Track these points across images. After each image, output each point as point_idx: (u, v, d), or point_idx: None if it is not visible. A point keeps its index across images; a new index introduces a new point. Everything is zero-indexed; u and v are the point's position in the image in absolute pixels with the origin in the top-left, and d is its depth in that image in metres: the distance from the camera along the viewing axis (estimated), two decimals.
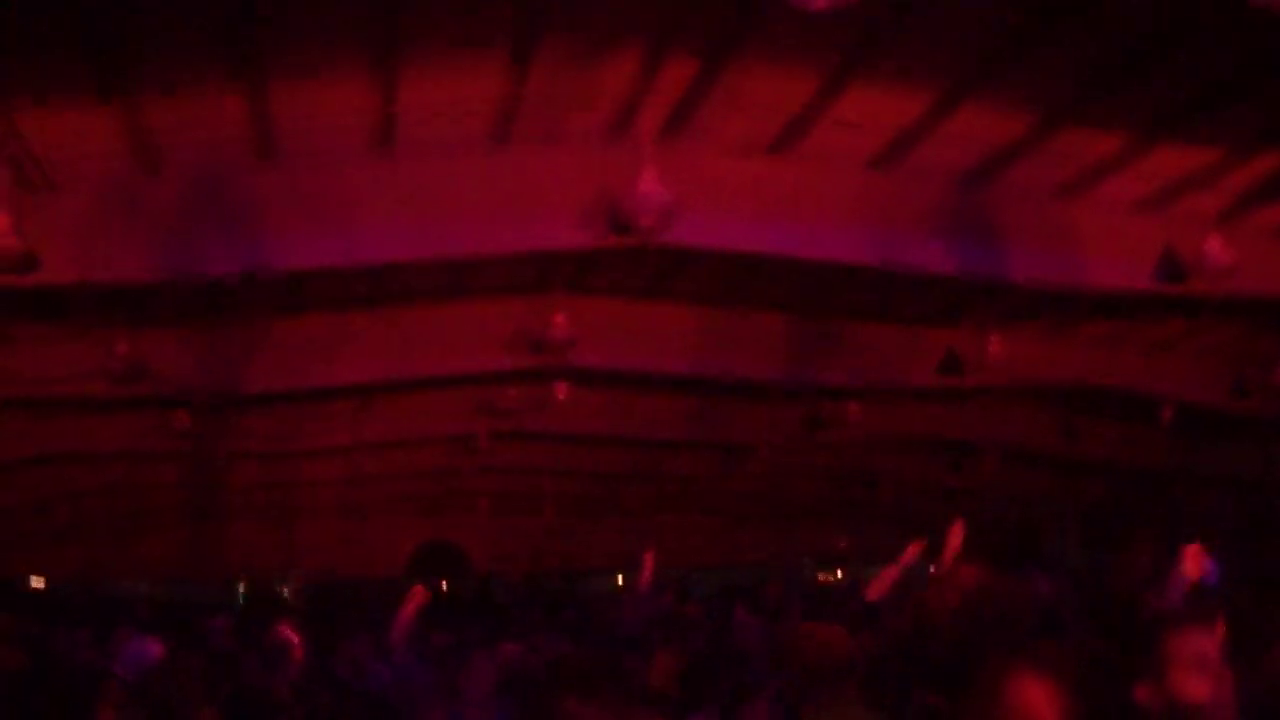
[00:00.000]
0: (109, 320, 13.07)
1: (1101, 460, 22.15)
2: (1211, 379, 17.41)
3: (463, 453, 21.37)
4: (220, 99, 9.50)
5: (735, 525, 30.66)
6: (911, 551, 7.83)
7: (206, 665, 8.48)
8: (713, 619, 12.48)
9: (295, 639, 9.66)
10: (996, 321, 15.20)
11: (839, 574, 32.43)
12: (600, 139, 10.81)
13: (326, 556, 27.71)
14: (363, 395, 16.67)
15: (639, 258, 12.44)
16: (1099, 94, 10.07)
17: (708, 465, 23.57)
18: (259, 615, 15.65)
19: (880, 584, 8.28)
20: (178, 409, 16.11)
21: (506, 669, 7.21)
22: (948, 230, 11.65)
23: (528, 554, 29.95)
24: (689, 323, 15.42)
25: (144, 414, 16.56)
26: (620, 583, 26.88)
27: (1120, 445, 21.25)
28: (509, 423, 18.70)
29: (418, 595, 9.29)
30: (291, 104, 9.67)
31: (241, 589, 28.67)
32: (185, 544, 27.77)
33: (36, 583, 27.51)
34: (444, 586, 28.49)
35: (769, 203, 11.28)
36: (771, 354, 15.77)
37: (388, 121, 10.15)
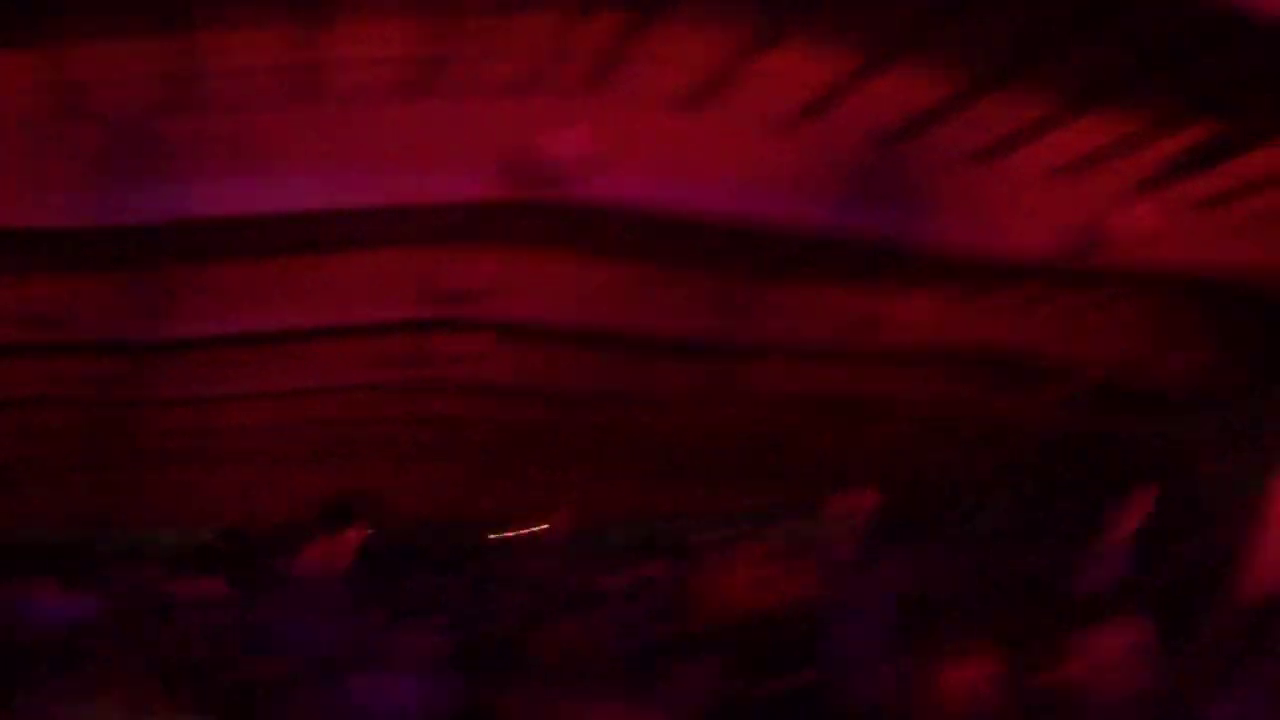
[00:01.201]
0: (25, 264, 12.98)
1: (1020, 425, 22.37)
2: (1130, 347, 17.62)
3: (380, 402, 21.34)
4: (144, 44, 9.46)
5: (653, 480, 30.77)
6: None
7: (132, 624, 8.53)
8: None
9: (207, 593, 9.69)
10: (913, 283, 15.36)
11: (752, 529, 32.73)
12: (523, 91, 10.84)
13: (243, 504, 27.65)
14: (281, 342, 16.60)
15: (556, 210, 12.46)
16: (1025, 61, 10.19)
17: (623, 418, 23.61)
18: (175, 565, 15.62)
19: None
20: (91, 355, 16.02)
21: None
22: (865, 191, 11.74)
23: (443, 505, 29.98)
24: (606, 276, 15.43)
25: (55, 359, 16.44)
26: (534, 534, 26.96)
27: (1038, 411, 21.48)
28: (427, 372, 18.67)
29: (341, 545, 9.33)
30: (216, 50, 9.64)
31: (148, 538, 28.52)
32: (90, 491, 27.60)
33: None
34: (357, 535, 28.39)
35: (688, 158, 11.33)
36: (688, 309, 15.83)
37: (311, 69, 10.14)
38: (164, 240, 12.54)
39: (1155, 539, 5.87)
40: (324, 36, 9.63)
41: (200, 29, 9.34)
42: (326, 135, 10.71)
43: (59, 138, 10.28)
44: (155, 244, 12.92)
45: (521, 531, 29.62)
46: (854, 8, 9.61)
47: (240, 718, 6.45)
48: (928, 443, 24.52)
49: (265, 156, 10.60)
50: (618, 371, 19.33)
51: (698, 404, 21.62)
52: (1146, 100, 10.96)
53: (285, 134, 10.62)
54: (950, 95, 10.86)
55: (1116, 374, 18.03)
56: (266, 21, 9.41)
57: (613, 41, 10.06)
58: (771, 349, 17.49)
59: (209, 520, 27.76)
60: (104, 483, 26.91)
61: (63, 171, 10.29)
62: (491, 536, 29.71)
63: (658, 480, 30.57)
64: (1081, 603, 4.59)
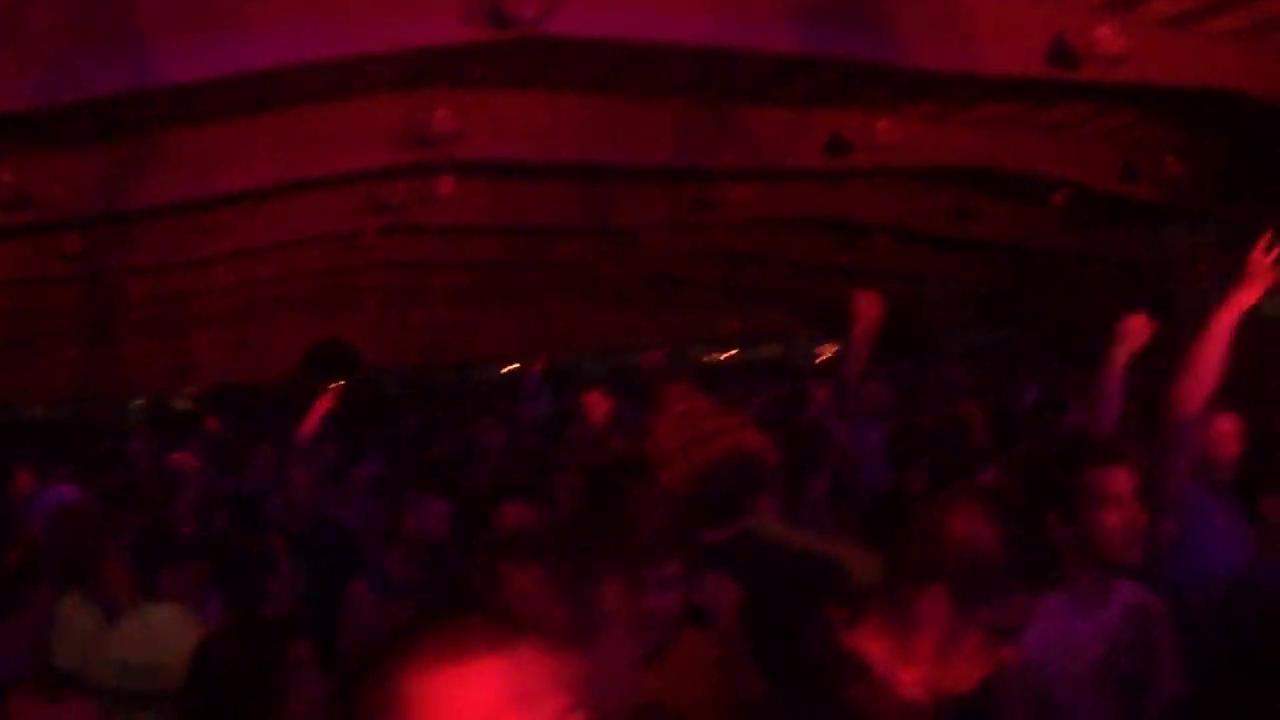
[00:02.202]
0: None
1: (993, 241, 22.44)
2: (1102, 163, 17.66)
3: (351, 250, 21.34)
4: None
5: (624, 309, 30.90)
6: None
7: (111, 504, 8.57)
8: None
9: (192, 464, 9.72)
10: (885, 103, 15.33)
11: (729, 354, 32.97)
12: None
13: (222, 364, 27.75)
14: (251, 200, 16.56)
15: (521, 49, 12.38)
16: None
17: (595, 251, 23.66)
18: (162, 432, 15.71)
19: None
20: (66, 232, 15.97)
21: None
22: (835, 12, 11.67)
23: (419, 347, 30.12)
24: (573, 110, 15.37)
25: (32, 239, 16.38)
26: (512, 369, 27.13)
27: (1012, 227, 21.56)
28: (396, 218, 18.64)
29: (322, 403, 9.37)
30: None
31: (140, 405, 28.64)
32: (81, 365, 27.65)
33: None
34: (337, 383, 28.58)
35: None
36: (657, 138, 15.78)
37: None
38: (128, 110, 12.45)
39: (1138, 361, 5.91)
40: None
41: None
42: None
43: (16, 17, 10.15)
44: (120, 114, 12.83)
45: (498, 370, 29.86)
46: None
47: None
48: (903, 262, 24.61)
49: (220, 18, 10.48)
50: (588, 204, 19.32)
51: (670, 230, 21.66)
52: None
53: None
54: None
55: (1089, 190, 18.07)
56: None
57: None
58: (743, 173, 17.48)
59: (191, 381, 27.89)
60: (91, 355, 26.96)
61: (22, 52, 10.18)
62: (467, 374, 29.91)
63: (632, 309, 30.70)
64: (1084, 439, 4.63)
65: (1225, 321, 4.93)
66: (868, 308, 6.78)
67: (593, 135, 15.61)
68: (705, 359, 32.90)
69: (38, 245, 16.60)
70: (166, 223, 16.77)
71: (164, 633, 5.81)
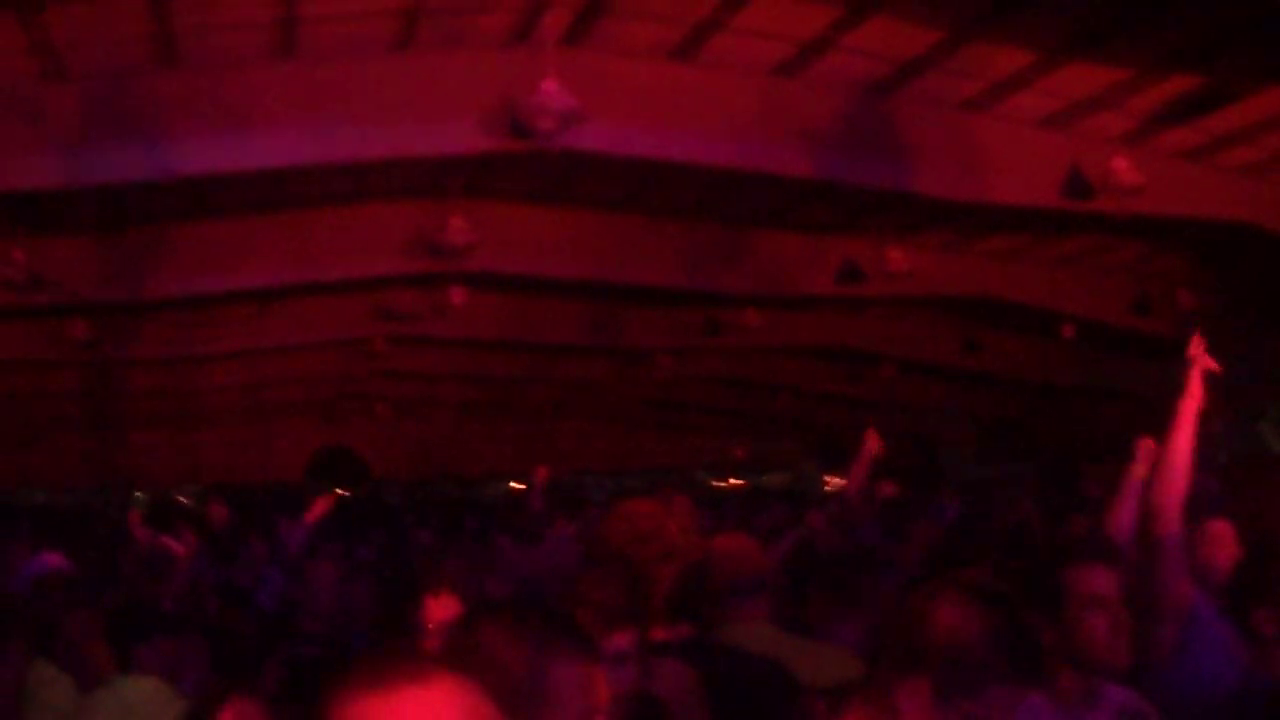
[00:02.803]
0: (6, 229, 12.93)
1: (1001, 373, 22.43)
2: (1113, 296, 17.67)
3: (360, 357, 21.35)
4: (121, 4, 9.42)
5: (632, 431, 30.87)
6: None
7: (84, 577, 8.52)
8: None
9: (181, 548, 9.68)
10: (897, 232, 15.36)
11: (734, 482, 32.81)
12: (502, 43, 10.81)
13: (227, 463, 27.67)
14: (261, 300, 16.61)
15: (538, 162, 12.44)
16: (1009, 9, 10.13)
17: (604, 371, 23.69)
18: (159, 523, 15.60)
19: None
20: (76, 317, 15.99)
21: None
22: (851, 140, 11.72)
23: (423, 459, 30.04)
24: (588, 227, 15.45)
25: (41, 322, 16.40)
26: (514, 488, 26.99)
27: (1021, 359, 21.54)
28: (406, 327, 18.70)
29: (320, 504, 9.33)
30: (192, 6, 9.60)
31: (141, 497, 28.52)
32: (84, 453, 27.61)
33: None
34: (339, 492, 28.47)
35: (670, 109, 11.31)
36: (670, 259, 15.83)
37: (289, 24, 10.10)
38: (145, 199, 12.52)
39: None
40: None
41: None
42: (306, 91, 10.67)
43: (39, 101, 10.23)
44: (136, 203, 12.89)
45: (502, 485, 29.72)
46: None
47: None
48: (910, 393, 24.55)
49: (244, 113, 10.55)
50: (598, 322, 19.35)
51: (679, 354, 21.66)
52: (1129, 51, 10.91)
53: (264, 91, 10.58)
54: (934, 44, 10.81)
55: (1100, 323, 18.06)
56: None
57: None
58: (755, 298, 17.49)
59: (193, 478, 27.80)
60: (96, 445, 26.94)
61: (43, 134, 10.25)
62: (469, 490, 29.78)
63: (639, 431, 30.66)
64: (1063, 552, 4.60)
65: (1184, 421, 4.98)
66: (870, 443, 7.12)
67: (605, 253, 15.66)
68: (713, 485, 32.74)
69: (46, 329, 16.61)
70: (175, 315, 16.82)
71: (141, 707, 5.72)
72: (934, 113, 12.06)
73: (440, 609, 4.93)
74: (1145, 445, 6.06)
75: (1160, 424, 5.02)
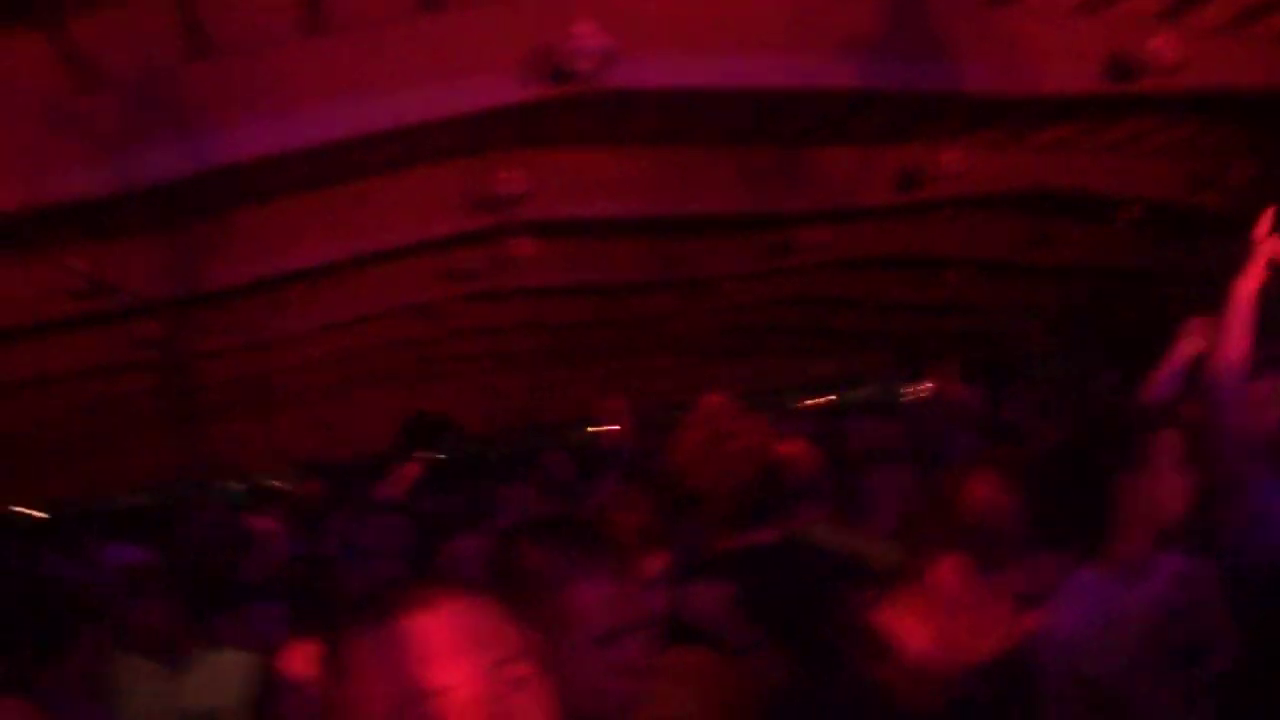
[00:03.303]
0: (63, 240, 12.99)
1: (1068, 265, 22.21)
2: (1169, 177, 17.44)
3: (431, 319, 21.38)
4: (147, 3, 9.43)
5: (711, 362, 30.81)
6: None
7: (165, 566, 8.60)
8: None
9: (270, 527, 9.77)
10: (948, 135, 15.23)
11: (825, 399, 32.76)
12: None
13: (314, 442, 27.83)
14: (327, 276, 16.61)
15: (584, 105, 12.35)
16: None
17: (675, 304, 23.57)
18: (253, 509, 15.75)
19: None
20: (143, 317, 16.08)
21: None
22: (890, 47, 11.58)
23: (509, 412, 30.11)
24: (642, 163, 15.35)
25: (110, 328, 16.49)
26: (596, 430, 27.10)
27: (1085, 249, 21.31)
28: (474, 285, 18.69)
29: (410, 469, 9.37)
30: None
31: (233, 486, 28.78)
32: (171, 451, 27.88)
33: (33, 513, 27.65)
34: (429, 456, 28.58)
35: (707, 35, 11.18)
36: (729, 186, 15.74)
37: (313, 1, 10.07)
38: (195, 193, 12.51)
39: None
40: None
41: None
42: (339, 63, 10.63)
43: (77, 111, 10.24)
44: (187, 198, 12.90)
45: (587, 429, 29.75)
46: None
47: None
48: (982, 294, 24.39)
49: (280, 94, 10.53)
50: (665, 258, 19.29)
51: (747, 279, 21.57)
52: None
53: (297, 69, 10.55)
54: None
55: (1158, 205, 17.85)
56: None
57: None
58: (816, 215, 17.35)
59: (282, 462, 27.99)
60: (180, 441, 27.19)
61: (86, 143, 10.26)
62: (559, 436, 29.77)
63: (718, 361, 30.58)
64: (1143, 417, 4.56)
65: (1243, 294, 4.88)
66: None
67: (662, 187, 15.57)
68: (800, 405, 32.67)
69: (115, 333, 16.73)
70: (242, 303, 16.85)
71: (228, 676, 5.79)
72: (969, 11, 11.92)
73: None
74: (1195, 322, 6.03)
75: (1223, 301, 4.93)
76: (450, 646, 2.01)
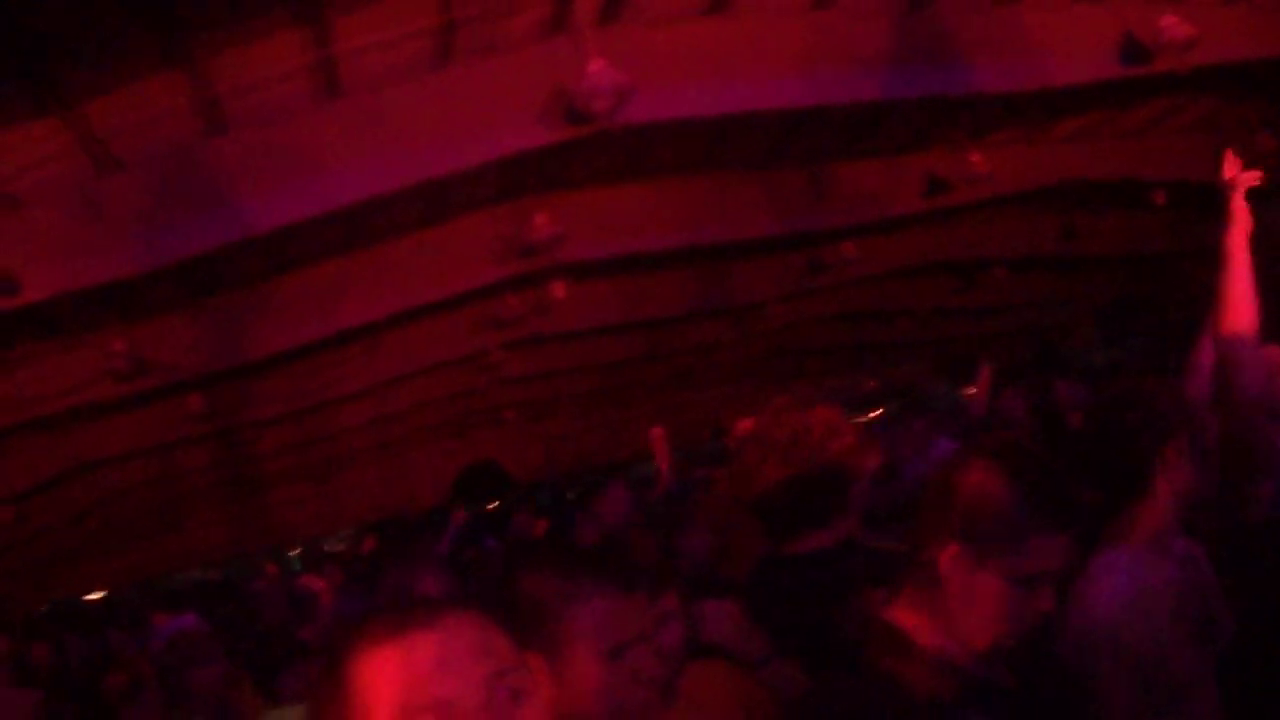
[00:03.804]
0: (100, 322, 13.11)
1: (1105, 254, 22.13)
2: (1196, 154, 17.32)
3: (479, 370, 21.43)
4: (160, 83, 9.50)
5: (761, 387, 30.75)
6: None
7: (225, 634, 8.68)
8: None
9: (321, 585, 9.84)
10: (971, 137, 15.22)
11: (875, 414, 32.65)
12: (540, 37, 10.79)
13: (370, 502, 27.91)
14: (370, 336, 16.72)
15: (606, 143, 12.40)
16: None
17: (719, 332, 23.57)
18: (309, 572, 15.85)
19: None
20: (189, 393, 16.19)
21: None
22: (902, 57, 11.60)
23: (561, 457, 30.14)
24: (671, 196, 15.38)
25: (156, 405, 16.64)
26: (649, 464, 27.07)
27: (1122, 236, 21.25)
28: (517, 331, 18.73)
29: (455, 519, 9.46)
30: (231, 71, 9.66)
31: (293, 553, 28.93)
32: (229, 523, 28.06)
33: (94, 595, 27.81)
34: (491, 505, 28.67)
35: (719, 63, 11.22)
36: (758, 210, 15.75)
37: (329, 66, 10.13)
38: (227, 265, 12.64)
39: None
40: (332, 31, 9.62)
41: (208, 56, 9.35)
42: (359, 125, 10.71)
43: (100, 194, 10.34)
44: (218, 271, 13.02)
45: (645, 463, 29.66)
46: None
47: None
48: (1021, 292, 24.33)
49: (303, 161, 10.61)
50: (702, 287, 19.32)
51: (788, 300, 21.56)
52: None
53: (319, 134, 10.63)
54: None
55: (1188, 185, 17.77)
56: (272, 32, 9.39)
57: None
58: (849, 230, 17.35)
59: (339, 524, 28.10)
60: (234, 514, 27.35)
61: (111, 224, 10.36)
62: (618, 474, 29.71)
63: (766, 385, 30.54)
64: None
65: (1235, 244, 4.82)
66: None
67: (694, 217, 15.60)
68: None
69: (163, 411, 16.87)
70: (288, 369, 16.95)
71: None
72: (977, 11, 11.93)
73: None
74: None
75: (1263, 273, 4.86)
76: (450, 660, 2.04)
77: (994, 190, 16.29)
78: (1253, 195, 4.90)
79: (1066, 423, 9.63)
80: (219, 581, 25.17)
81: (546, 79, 10.56)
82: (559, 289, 16.51)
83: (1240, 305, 4.73)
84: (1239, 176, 4.93)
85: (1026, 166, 16.49)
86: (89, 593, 27.73)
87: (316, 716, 2.14)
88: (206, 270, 12.53)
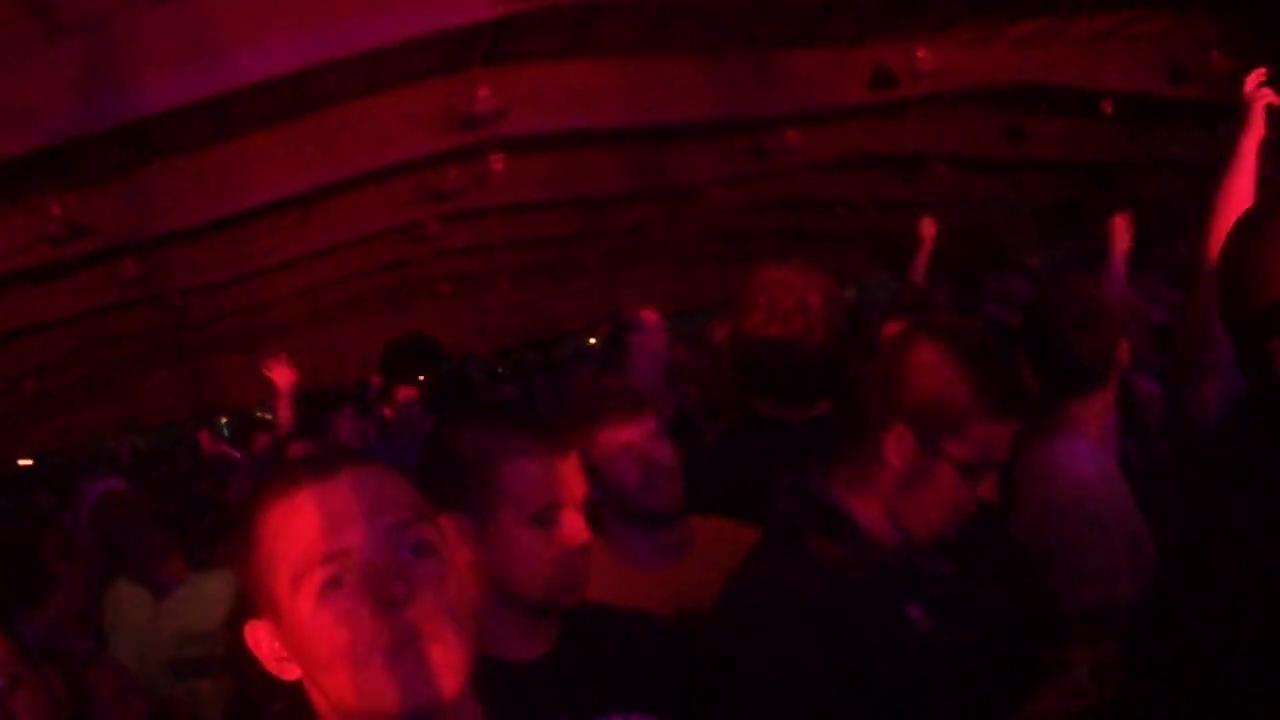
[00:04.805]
0: (38, 186, 12.93)
1: (1049, 158, 22.18)
2: (1147, 67, 17.35)
3: (413, 242, 21.31)
4: None
5: (696, 270, 30.79)
6: None
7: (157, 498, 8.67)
8: None
9: (235, 453, 9.88)
10: (923, 32, 15.15)
11: None
12: None
13: (303, 371, 27.77)
14: (304, 204, 16.57)
15: (553, 17, 12.27)
16: None
17: (657, 213, 23.51)
18: (242, 441, 15.79)
19: None
20: (124, 257, 16.04)
21: None
22: None
23: (496, 330, 30.11)
24: (616, 73, 15.26)
25: (92, 271, 16.49)
26: (592, 342, 27.03)
27: (1066, 141, 21.26)
28: (453, 204, 18.60)
29: (403, 393, 9.45)
30: None
31: (224, 421, 28.82)
32: (163, 391, 27.93)
33: (24, 461, 27.68)
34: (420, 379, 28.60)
35: None
36: (704, 91, 15.64)
37: None
38: (165, 130, 12.47)
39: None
40: None
41: None
42: None
43: (37, 57, 10.17)
44: (160, 137, 12.86)
45: (577, 340, 29.71)
46: None
47: None
48: (963, 190, 24.33)
49: (243, 28, 10.46)
50: (642, 166, 19.22)
51: (728, 184, 21.50)
52: None
53: (257, 3, 10.48)
54: None
55: (1138, 96, 17.80)
56: None
57: None
58: (793, 118, 17.29)
59: (266, 396, 28.00)
60: (174, 379, 27.24)
61: (48, 89, 10.21)
62: (549, 351, 29.74)
63: (701, 269, 30.58)
64: None
65: (1247, 149, 4.84)
66: (926, 230, 8.61)
67: (638, 96, 15.48)
68: None
69: (97, 276, 16.74)
70: (221, 237, 16.80)
71: (219, 599, 5.80)
72: None
73: None
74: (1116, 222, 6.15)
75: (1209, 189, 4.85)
76: (344, 513, 2.03)
77: (942, 86, 16.24)
78: (1206, 115, 4.98)
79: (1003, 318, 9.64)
80: (153, 451, 25.12)
81: None
82: (498, 162, 16.37)
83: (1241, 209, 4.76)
84: (1260, 90, 4.88)
85: (977, 66, 16.44)
86: (20, 459, 27.56)
87: (236, 577, 2.16)
88: (145, 136, 12.36)
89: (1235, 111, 4.90)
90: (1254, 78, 4.94)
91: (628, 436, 3.71)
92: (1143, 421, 4.97)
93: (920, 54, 14.96)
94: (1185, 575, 2.72)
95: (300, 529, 2.04)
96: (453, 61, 13.72)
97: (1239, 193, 4.70)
